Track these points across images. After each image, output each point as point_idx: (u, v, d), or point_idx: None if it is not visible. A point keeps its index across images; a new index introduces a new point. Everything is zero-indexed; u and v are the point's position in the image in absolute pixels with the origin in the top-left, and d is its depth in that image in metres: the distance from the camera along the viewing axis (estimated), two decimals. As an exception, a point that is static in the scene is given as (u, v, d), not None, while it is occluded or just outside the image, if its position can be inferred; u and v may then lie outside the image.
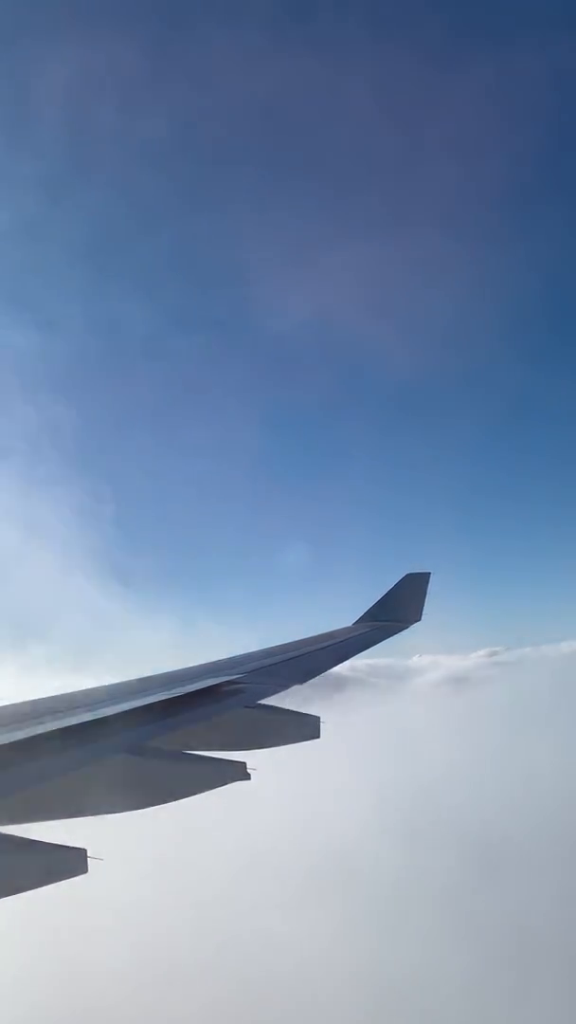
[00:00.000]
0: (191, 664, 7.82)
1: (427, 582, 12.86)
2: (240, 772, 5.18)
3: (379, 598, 12.23)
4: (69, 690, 6.32)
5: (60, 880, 3.96)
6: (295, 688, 7.17)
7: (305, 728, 6.30)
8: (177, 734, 5.45)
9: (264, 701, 6.56)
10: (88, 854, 4.01)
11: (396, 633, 11.40)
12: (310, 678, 7.64)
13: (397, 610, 12.08)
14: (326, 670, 8.29)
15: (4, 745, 4.64)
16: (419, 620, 12.20)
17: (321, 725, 6.25)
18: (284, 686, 7.05)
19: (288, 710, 6.50)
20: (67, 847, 4.04)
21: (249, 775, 5.17)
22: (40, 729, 4.98)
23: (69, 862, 3.99)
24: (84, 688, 6.42)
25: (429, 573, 13.12)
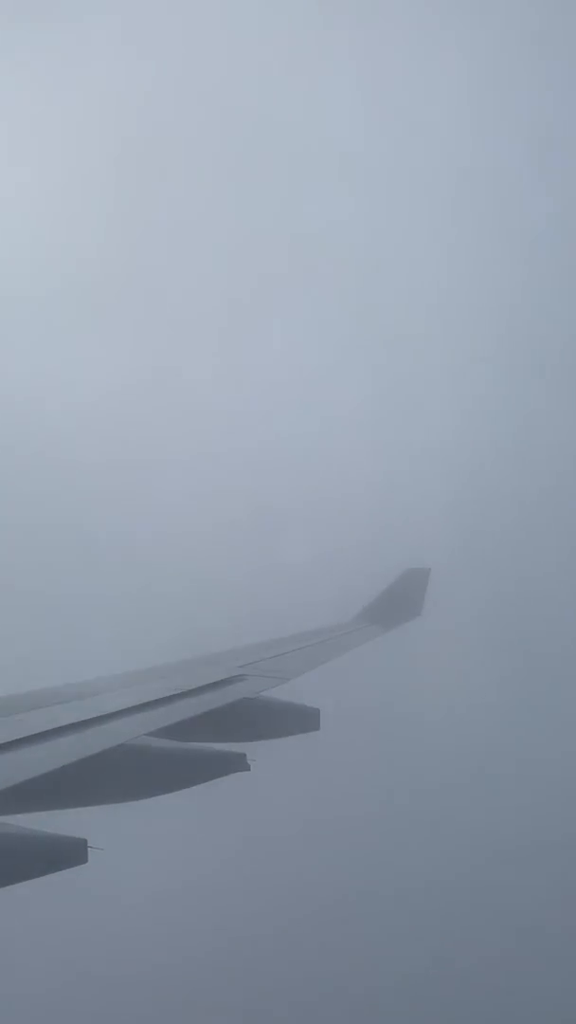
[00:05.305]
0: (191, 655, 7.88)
1: (427, 577, 12.99)
2: (240, 763, 5.24)
3: (379, 594, 12.35)
4: (70, 681, 6.37)
5: (60, 870, 3.99)
6: (295, 681, 7.24)
7: (305, 720, 6.38)
8: (178, 725, 5.49)
9: (264, 693, 6.63)
10: (88, 844, 4.04)
11: (396, 627, 11.50)
12: (309, 671, 7.72)
13: (397, 605, 12.19)
14: (325, 663, 8.37)
15: (5, 734, 4.67)
16: (419, 615, 12.32)
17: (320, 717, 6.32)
18: (284, 679, 7.12)
19: (288, 702, 6.58)
20: (67, 837, 4.07)
21: (248, 766, 5.22)
22: (41, 718, 5.02)
23: (69, 852, 4.01)
24: (86, 679, 6.47)
25: (429, 569, 13.26)
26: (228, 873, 19.74)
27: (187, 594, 20.45)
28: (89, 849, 4.00)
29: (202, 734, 5.57)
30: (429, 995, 18.81)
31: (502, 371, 23.73)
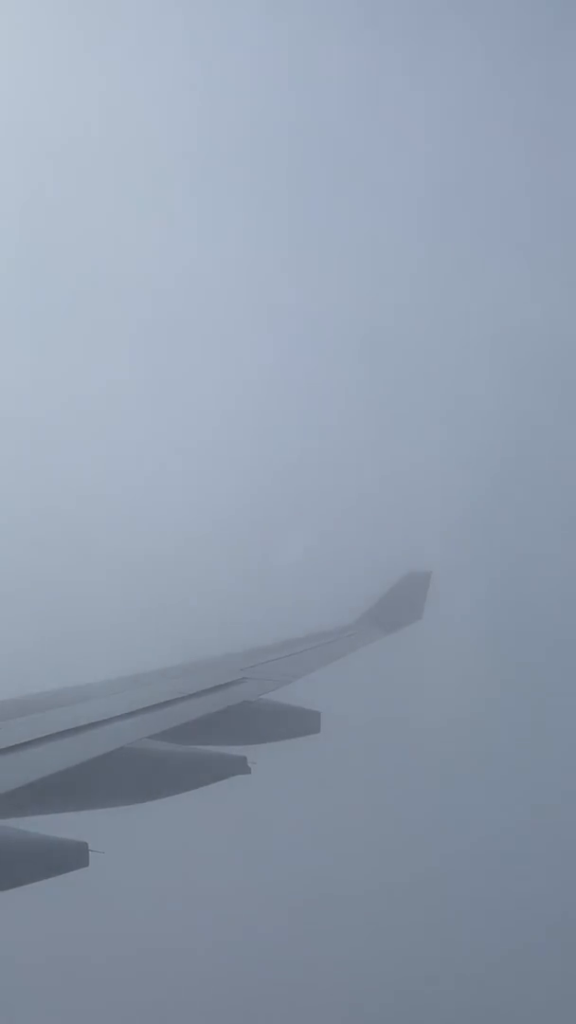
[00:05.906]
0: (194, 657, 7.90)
1: (428, 581, 13.04)
2: (240, 766, 5.24)
3: (380, 598, 12.38)
4: (70, 684, 6.38)
5: (61, 873, 3.99)
6: (295, 684, 7.25)
7: (305, 723, 6.39)
8: (178, 728, 5.49)
9: (264, 696, 6.65)
10: (89, 847, 4.03)
11: (396, 631, 11.51)
12: (310, 674, 7.74)
13: (398, 609, 12.22)
14: (326, 666, 8.39)
15: (5, 737, 4.68)
16: (420, 619, 12.35)
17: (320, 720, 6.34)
18: (285, 682, 7.14)
19: (289, 705, 6.60)
20: (68, 840, 4.06)
21: (249, 769, 5.23)
22: (41, 722, 5.03)
23: (70, 855, 4.01)
24: (86, 682, 6.48)
25: (430, 572, 13.31)
26: (229, 876, 19.72)
27: (188, 597, 20.46)
28: (90, 853, 4.00)
29: (203, 737, 5.58)
30: (431, 998, 18.76)
31: (505, 373, 23.74)
